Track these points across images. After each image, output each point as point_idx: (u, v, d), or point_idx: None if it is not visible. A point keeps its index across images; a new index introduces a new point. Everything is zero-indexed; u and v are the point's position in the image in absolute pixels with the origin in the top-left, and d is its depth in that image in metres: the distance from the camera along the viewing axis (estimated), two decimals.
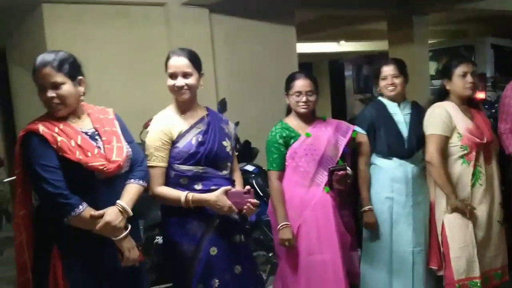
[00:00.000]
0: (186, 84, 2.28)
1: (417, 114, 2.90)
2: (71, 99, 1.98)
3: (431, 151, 2.74)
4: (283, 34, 5.71)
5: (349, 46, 11.29)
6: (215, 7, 5.07)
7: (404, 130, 2.86)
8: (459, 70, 2.78)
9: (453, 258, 2.73)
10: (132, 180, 2.10)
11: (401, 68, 2.89)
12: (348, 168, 2.62)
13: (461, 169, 2.75)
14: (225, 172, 2.39)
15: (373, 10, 7.06)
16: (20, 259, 2.01)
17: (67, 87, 1.96)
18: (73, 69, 2.00)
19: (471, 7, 7.66)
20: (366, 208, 2.84)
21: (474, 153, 2.72)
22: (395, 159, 2.84)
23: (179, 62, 2.28)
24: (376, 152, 2.90)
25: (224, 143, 2.38)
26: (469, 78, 2.76)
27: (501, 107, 3.15)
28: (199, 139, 2.30)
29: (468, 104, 2.87)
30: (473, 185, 2.74)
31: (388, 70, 2.87)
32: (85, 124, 2.06)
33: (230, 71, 5.30)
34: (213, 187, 2.28)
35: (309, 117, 2.72)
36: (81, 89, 2.05)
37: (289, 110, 2.77)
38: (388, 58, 2.98)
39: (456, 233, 2.74)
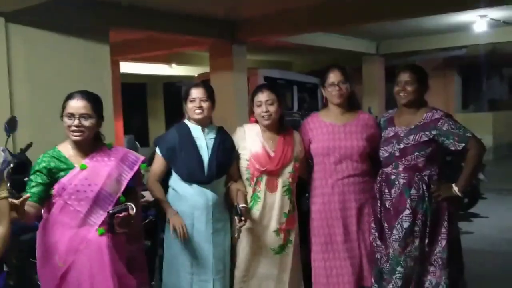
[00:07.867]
0: None
1: (222, 141, 2.84)
2: None
3: None
4: (96, 51, 5.48)
5: (181, 70, 11.40)
6: (13, 17, 4.68)
7: (205, 155, 2.77)
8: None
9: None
10: None
11: (210, 93, 2.83)
12: (131, 206, 2.27)
13: (248, 190, 2.85)
14: None
15: (196, 37, 7.21)
16: None
17: None
18: None
19: (286, 41, 8.34)
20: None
21: (255, 179, 2.83)
22: (194, 185, 2.75)
23: None
24: (177, 175, 2.77)
25: None
26: (263, 107, 2.82)
27: None
28: None
29: (278, 130, 2.90)
30: (251, 208, 2.84)
31: (196, 92, 2.77)
32: None
33: (30, 87, 4.90)
34: None
35: (88, 145, 2.36)
36: None
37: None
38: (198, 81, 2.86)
39: (239, 253, 2.86)
